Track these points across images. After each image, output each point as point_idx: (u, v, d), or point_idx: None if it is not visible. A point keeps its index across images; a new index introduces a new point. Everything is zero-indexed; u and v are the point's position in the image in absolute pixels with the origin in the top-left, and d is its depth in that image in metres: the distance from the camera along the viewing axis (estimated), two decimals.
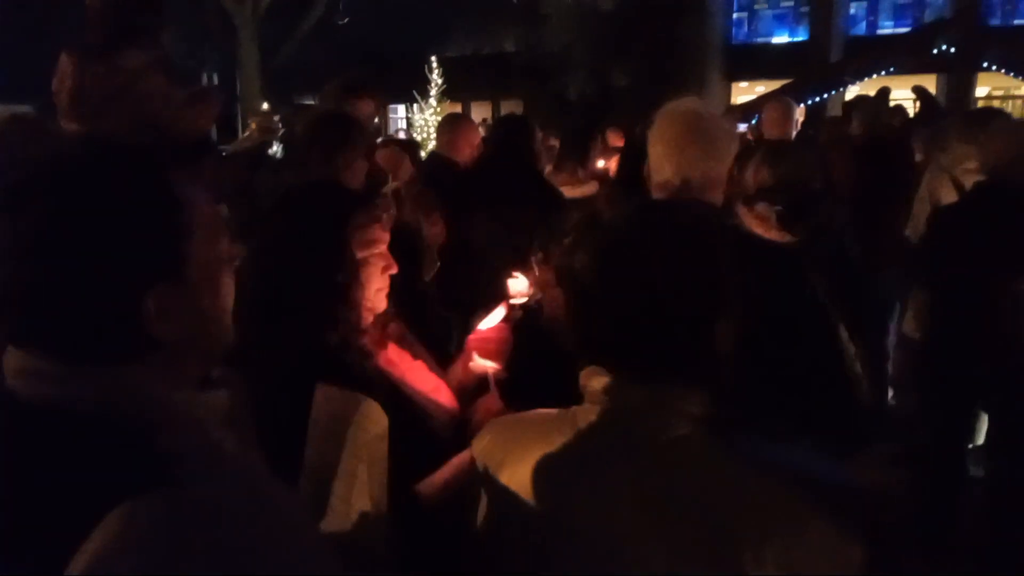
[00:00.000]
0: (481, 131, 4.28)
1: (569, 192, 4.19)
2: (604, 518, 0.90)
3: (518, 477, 0.98)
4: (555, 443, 0.95)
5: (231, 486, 0.74)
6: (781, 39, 19.78)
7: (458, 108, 17.04)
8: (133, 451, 0.71)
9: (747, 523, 0.84)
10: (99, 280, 0.74)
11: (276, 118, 5.44)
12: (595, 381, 0.93)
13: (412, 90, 15.37)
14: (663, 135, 1.76)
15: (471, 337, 1.72)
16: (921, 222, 3.72)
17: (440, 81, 15.35)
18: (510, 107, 18.99)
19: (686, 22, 17.49)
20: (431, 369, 1.69)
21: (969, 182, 3.49)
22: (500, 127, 3.93)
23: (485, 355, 1.68)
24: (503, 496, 1.00)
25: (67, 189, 0.75)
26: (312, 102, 17.23)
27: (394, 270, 1.53)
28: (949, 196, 3.62)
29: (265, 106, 10.94)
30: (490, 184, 3.15)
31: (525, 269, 2.28)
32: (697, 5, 18.07)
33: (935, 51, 9.80)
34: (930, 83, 13.06)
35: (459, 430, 1.58)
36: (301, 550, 0.74)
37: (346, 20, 18.26)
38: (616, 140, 7.42)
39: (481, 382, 1.71)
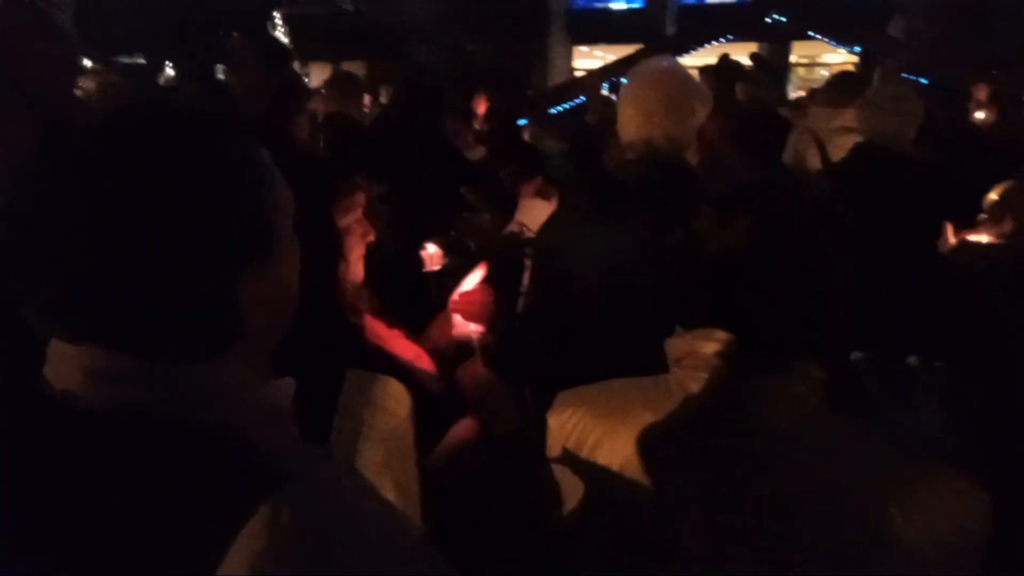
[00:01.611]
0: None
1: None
2: (725, 494, 0.85)
3: (621, 454, 0.90)
4: (660, 413, 0.89)
5: (328, 474, 0.73)
6: (619, 5, 20.38)
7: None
8: (245, 455, 0.65)
9: (885, 480, 0.86)
10: (192, 262, 0.63)
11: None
12: (706, 345, 0.87)
13: None
14: (631, 95, 1.73)
15: (452, 300, 1.68)
16: None
17: (286, 40, 14.48)
18: (352, 68, 18.29)
19: None
20: (408, 336, 1.63)
21: (834, 140, 3.76)
22: (408, 93, 3.74)
23: (468, 317, 1.65)
24: (604, 476, 0.92)
25: (154, 156, 0.63)
26: (131, 60, 15.74)
27: (372, 236, 1.44)
28: (813, 156, 3.88)
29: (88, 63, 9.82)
30: (398, 152, 2.99)
31: (440, 240, 2.21)
32: None
33: (769, 19, 10.52)
34: (752, 49, 14.05)
35: (445, 398, 1.53)
36: (397, 526, 0.73)
37: None
38: (481, 106, 7.35)
39: (460, 347, 1.67)
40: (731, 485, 0.86)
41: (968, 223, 2.98)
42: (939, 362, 2.63)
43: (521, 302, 2.20)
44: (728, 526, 0.84)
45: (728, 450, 0.88)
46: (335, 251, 1.35)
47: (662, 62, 1.80)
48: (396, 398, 1.14)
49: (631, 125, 1.69)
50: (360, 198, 1.42)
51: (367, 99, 10.33)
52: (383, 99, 10.36)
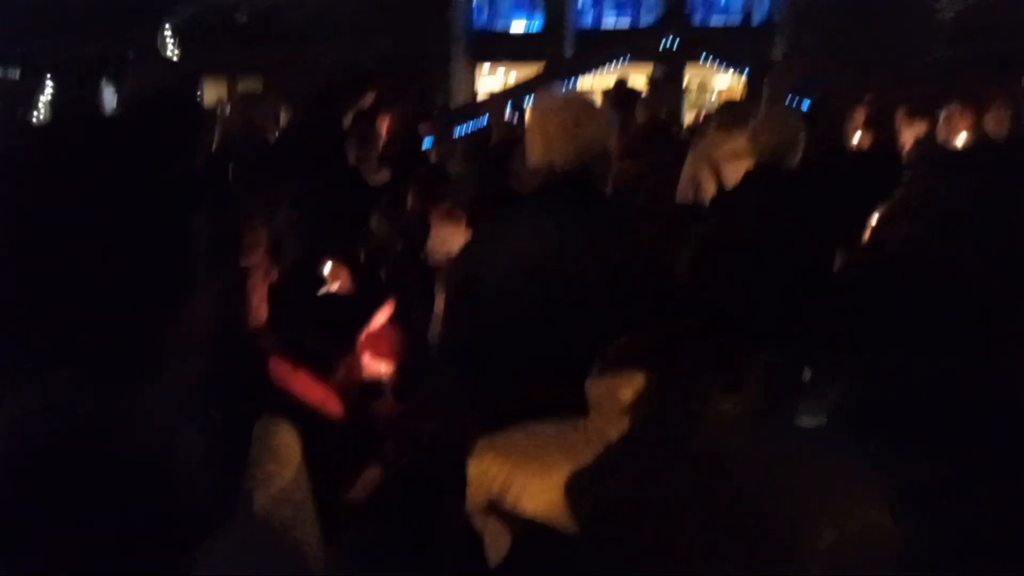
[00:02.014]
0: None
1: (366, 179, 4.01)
2: (660, 527, 0.86)
3: (544, 503, 0.90)
4: (580, 461, 0.89)
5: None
6: (519, 26, 20.75)
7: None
8: None
9: (807, 503, 0.88)
10: None
11: None
12: (624, 391, 0.88)
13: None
14: (535, 122, 1.75)
15: (361, 338, 1.63)
16: (683, 201, 4.12)
17: (177, 52, 13.89)
18: (249, 83, 17.79)
19: (432, 5, 17.67)
20: (315, 376, 1.56)
21: (726, 165, 3.94)
22: (307, 107, 3.65)
23: (378, 355, 1.61)
24: (528, 525, 0.91)
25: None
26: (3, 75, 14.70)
27: (274, 276, 1.38)
28: (707, 179, 4.05)
29: None
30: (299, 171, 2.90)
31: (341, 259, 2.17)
32: None
33: (662, 45, 10.96)
34: (647, 71, 14.60)
35: (355, 438, 1.49)
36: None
37: None
38: (383, 124, 7.28)
39: (370, 385, 1.62)
40: (659, 528, 0.87)
41: (854, 247, 3.16)
42: (835, 370, 2.76)
43: (433, 330, 2.17)
44: (659, 567, 0.85)
45: (653, 495, 0.89)
46: (237, 293, 1.28)
47: (565, 91, 1.85)
48: (288, 444, 1.11)
49: (536, 151, 1.72)
50: (262, 236, 1.36)
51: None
52: (282, 118, 10.12)
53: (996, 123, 5.05)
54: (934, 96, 6.38)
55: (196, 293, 1.16)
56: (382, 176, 4.08)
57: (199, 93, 2.72)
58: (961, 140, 4.93)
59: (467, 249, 1.76)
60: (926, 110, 5.72)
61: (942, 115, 5.77)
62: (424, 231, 2.87)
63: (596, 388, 0.93)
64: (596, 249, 1.35)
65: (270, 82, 16.12)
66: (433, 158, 5.88)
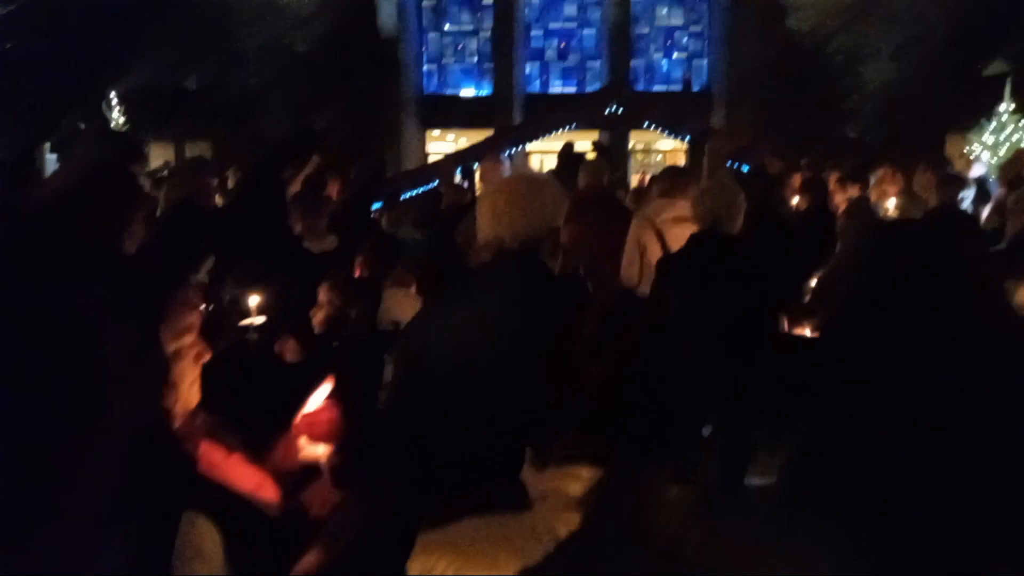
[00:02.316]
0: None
1: (313, 247, 3.98)
2: None
3: None
4: (529, 558, 0.87)
5: None
6: (469, 92, 21.22)
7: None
8: None
9: None
10: None
11: None
12: (572, 486, 0.87)
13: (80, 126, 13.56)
14: (485, 197, 1.77)
15: (297, 420, 1.56)
16: (631, 266, 4.19)
17: (123, 119, 13.74)
18: (197, 149, 17.72)
19: (382, 71, 17.98)
20: (249, 460, 1.49)
21: (669, 230, 4.03)
22: (251, 174, 3.61)
23: (315, 438, 1.54)
24: None
25: None
26: None
27: (208, 356, 1.32)
28: (652, 243, 4.13)
29: None
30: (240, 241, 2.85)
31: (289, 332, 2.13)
32: (391, 55, 18.69)
33: (608, 111, 11.30)
34: (594, 137, 15.07)
35: (292, 522, 1.41)
36: None
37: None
38: (334, 189, 7.27)
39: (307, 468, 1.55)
40: None
41: (796, 307, 3.25)
42: (777, 434, 2.79)
43: (382, 397, 2.13)
44: None
45: None
46: (159, 384, 1.22)
47: (517, 169, 1.88)
48: (210, 540, 1.06)
49: (486, 226, 1.73)
50: (195, 318, 1.30)
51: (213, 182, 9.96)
52: (232, 183, 10.01)
53: (922, 186, 5.31)
54: (864, 162, 6.71)
55: (116, 385, 1.09)
56: (329, 243, 4.05)
57: (141, 168, 2.68)
58: (891, 203, 5.16)
59: (416, 323, 1.75)
60: (858, 175, 6.00)
61: (873, 179, 6.07)
62: (374, 301, 2.84)
63: (541, 483, 0.92)
64: (542, 330, 1.36)
65: (217, 150, 16.09)
66: (383, 223, 5.88)
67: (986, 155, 9.06)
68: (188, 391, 1.29)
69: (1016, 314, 2.67)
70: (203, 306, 1.36)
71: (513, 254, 1.69)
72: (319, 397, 1.57)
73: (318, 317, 2.61)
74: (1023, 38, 14.34)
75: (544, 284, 1.63)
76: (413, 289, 3.95)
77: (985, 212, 5.76)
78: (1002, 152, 9.05)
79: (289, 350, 2.58)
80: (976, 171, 7.81)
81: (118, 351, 0.87)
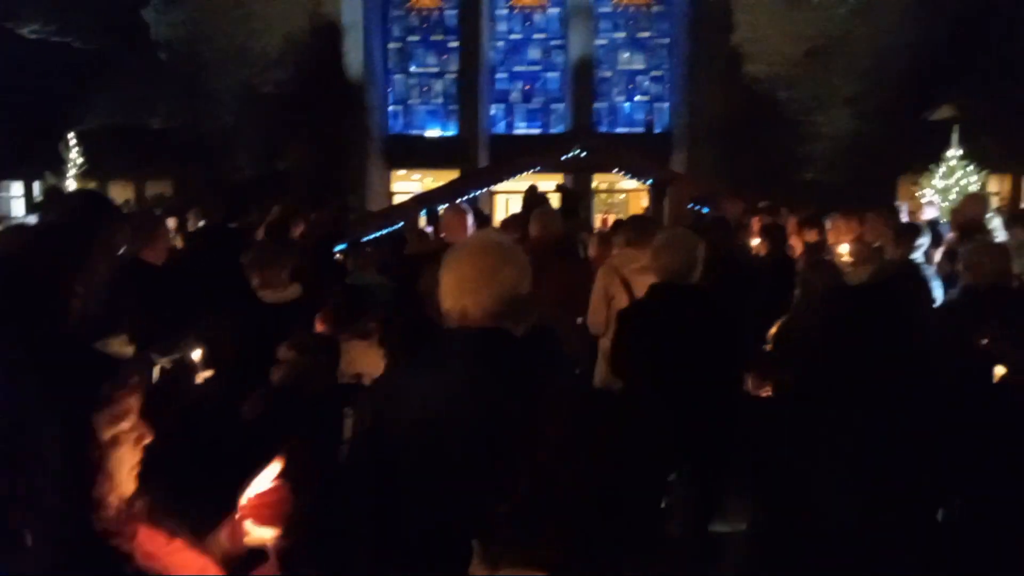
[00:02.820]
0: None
1: (272, 296, 3.91)
2: None
3: None
4: None
5: None
6: (434, 132, 21.39)
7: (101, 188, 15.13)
8: None
9: None
10: None
11: None
12: None
13: (43, 166, 13.32)
14: (449, 266, 1.73)
15: (244, 502, 1.47)
16: (597, 314, 4.21)
17: (80, 160, 13.52)
18: (157, 188, 17.53)
19: (348, 111, 18.07)
20: (191, 545, 1.41)
21: (636, 279, 4.07)
22: (205, 234, 3.55)
23: (261, 521, 1.44)
24: None
25: None
26: None
27: (149, 438, 1.26)
28: (619, 292, 4.16)
29: None
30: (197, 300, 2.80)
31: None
32: (357, 96, 18.79)
33: (571, 154, 11.47)
34: (558, 179, 15.27)
35: None
36: None
37: None
38: (297, 230, 7.20)
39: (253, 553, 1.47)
40: None
41: (758, 363, 3.28)
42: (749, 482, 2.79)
43: (341, 455, 2.08)
44: None
45: None
46: (91, 478, 1.15)
47: (483, 234, 1.86)
48: None
49: (449, 296, 1.69)
50: (134, 401, 1.23)
51: (173, 223, 9.81)
52: (192, 226, 9.85)
53: (874, 234, 5.45)
54: (820, 208, 6.90)
55: (43, 481, 1.03)
56: (292, 291, 4.00)
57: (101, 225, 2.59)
58: (845, 249, 5.29)
59: (379, 386, 1.71)
60: (814, 220, 6.16)
61: (828, 225, 6.23)
62: (334, 357, 2.79)
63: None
64: (505, 417, 1.34)
65: (179, 190, 15.94)
66: (348, 267, 5.84)
67: (937, 199, 9.36)
68: (126, 479, 1.21)
69: (973, 365, 2.75)
70: (143, 384, 1.27)
71: (479, 328, 1.65)
72: (267, 477, 1.47)
73: (276, 374, 2.56)
74: (968, 86, 14.98)
75: (510, 363, 1.59)
76: (376, 340, 3.90)
77: (937, 255, 5.94)
78: (951, 196, 9.37)
79: (247, 408, 2.52)
80: (928, 214, 8.07)
81: (48, 445, 0.83)
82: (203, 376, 2.32)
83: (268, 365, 2.63)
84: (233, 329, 2.58)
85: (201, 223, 9.79)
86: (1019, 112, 14.44)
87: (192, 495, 1.52)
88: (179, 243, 7.98)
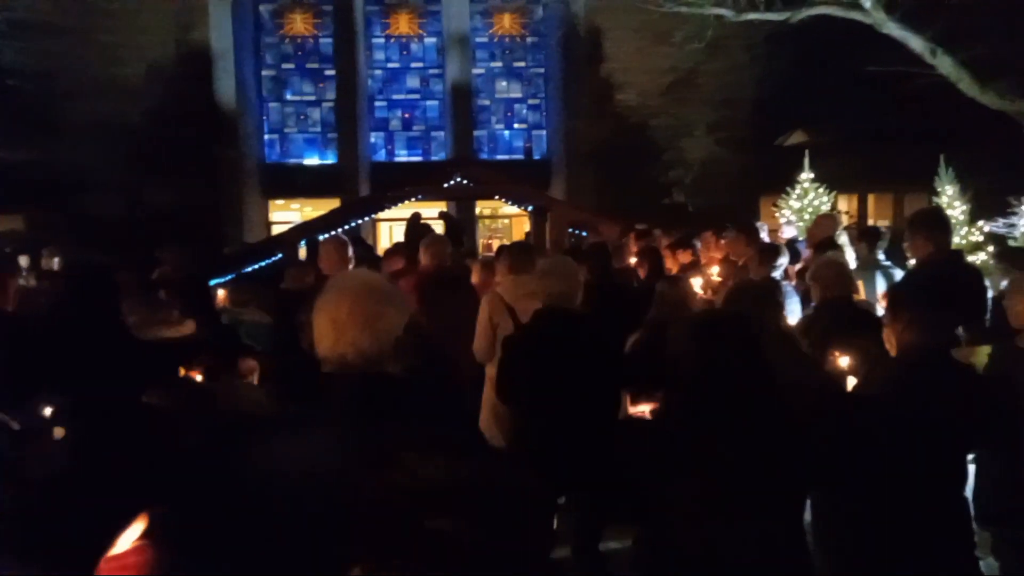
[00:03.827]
0: None
1: (168, 332, 3.69)
2: None
3: None
4: None
5: None
6: (313, 161, 20.97)
7: None
8: None
9: None
10: None
11: None
12: None
13: None
14: (324, 309, 1.67)
15: (103, 563, 1.35)
16: (483, 342, 4.25)
17: None
18: (8, 224, 16.22)
19: (220, 141, 17.44)
20: None
21: (520, 305, 4.14)
22: (73, 281, 3.31)
23: None
24: None
25: None
26: None
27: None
28: (504, 319, 4.22)
29: None
30: (65, 348, 2.60)
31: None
32: (230, 125, 18.17)
33: (453, 182, 11.55)
34: (441, 206, 15.34)
35: None
36: None
37: None
38: (169, 264, 6.85)
39: None
40: None
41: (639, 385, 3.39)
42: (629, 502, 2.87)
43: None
44: None
45: None
46: None
47: (357, 274, 1.82)
48: None
49: (325, 340, 1.63)
50: None
51: (25, 261, 9.09)
52: (47, 264, 9.16)
53: (736, 253, 5.81)
54: (691, 230, 7.29)
55: None
56: (187, 327, 3.81)
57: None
58: (715, 271, 5.60)
59: (253, 437, 1.64)
60: (686, 242, 6.49)
61: (698, 245, 6.59)
62: (207, 402, 2.64)
63: None
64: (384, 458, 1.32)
65: (31, 226, 14.80)
66: (226, 303, 5.60)
67: (794, 218, 10.07)
68: None
69: (826, 381, 2.97)
70: None
71: (357, 374, 1.61)
72: (130, 536, 1.35)
73: (140, 426, 2.39)
74: (817, 114, 16.33)
75: (392, 409, 1.57)
76: (256, 373, 3.76)
77: (796, 270, 6.39)
78: (806, 215, 10.09)
79: (111, 461, 2.36)
80: (787, 234, 8.67)
81: None
82: (57, 434, 2.15)
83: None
84: (104, 377, 2.42)
85: (56, 260, 9.14)
86: (860, 137, 15.89)
87: (50, 560, 1.40)
88: (32, 282, 7.41)
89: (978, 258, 7.98)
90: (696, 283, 4.92)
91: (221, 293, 6.01)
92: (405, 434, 1.03)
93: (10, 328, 2.75)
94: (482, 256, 8.70)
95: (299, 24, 20.77)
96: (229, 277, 7.22)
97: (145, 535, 1.32)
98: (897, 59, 10.99)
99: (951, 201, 8.92)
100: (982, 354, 3.21)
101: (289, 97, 21.02)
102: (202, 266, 7.14)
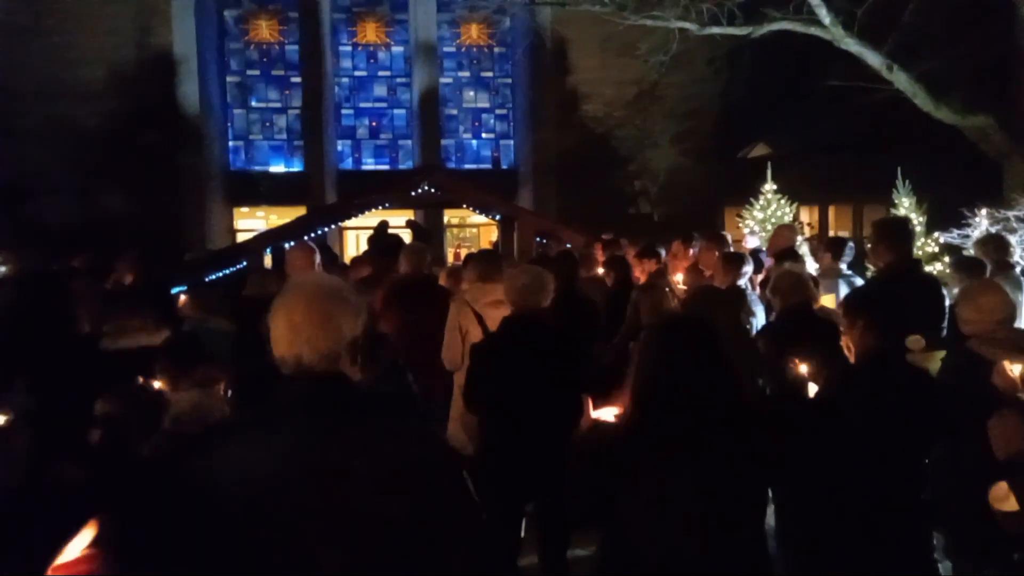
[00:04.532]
0: None
1: (145, 339, 3.60)
2: None
3: None
4: None
5: None
6: (279, 168, 20.76)
7: None
8: None
9: None
10: None
11: None
12: None
13: None
14: (281, 311, 1.66)
15: (51, 570, 1.32)
16: (452, 349, 4.25)
17: None
18: None
19: (183, 147, 17.17)
20: None
21: (488, 313, 4.15)
22: (24, 286, 3.22)
23: None
24: None
25: None
26: None
27: None
28: (472, 326, 4.22)
29: None
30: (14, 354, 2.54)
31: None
32: (193, 131, 17.92)
33: (420, 190, 11.52)
34: (408, 215, 15.31)
35: None
36: None
37: None
38: (128, 275, 6.71)
39: None
40: None
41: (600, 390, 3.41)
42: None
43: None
44: None
45: None
46: None
47: (313, 275, 1.81)
48: None
49: (281, 341, 1.61)
50: None
51: None
52: (4, 267, 8.94)
53: (705, 263, 5.87)
54: (655, 239, 7.37)
55: None
56: (163, 334, 3.72)
57: None
58: (680, 278, 5.66)
59: (209, 444, 1.61)
60: (651, 251, 6.55)
61: (664, 254, 6.66)
62: (157, 411, 2.58)
63: None
64: (339, 463, 1.31)
65: None
66: (187, 311, 5.50)
67: (757, 229, 10.23)
68: None
69: (788, 387, 3.03)
70: None
71: (313, 374, 1.60)
72: (79, 544, 1.32)
73: (94, 434, 2.33)
74: (778, 125, 16.66)
75: (349, 411, 1.56)
76: (220, 386, 3.69)
77: (759, 279, 6.50)
78: (769, 227, 10.26)
79: (63, 470, 2.29)
80: (750, 243, 8.80)
81: None
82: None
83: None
84: (56, 383, 2.36)
85: (3, 268, 8.92)
86: (819, 149, 16.24)
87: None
88: None
89: (935, 268, 8.19)
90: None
91: (183, 300, 5.91)
92: (356, 437, 1.00)
93: None
94: (449, 265, 8.68)
95: (264, 30, 20.59)
96: (191, 285, 7.10)
97: (94, 543, 1.30)
98: (855, 72, 11.27)
99: (907, 213, 9.14)
100: (936, 359, 3.29)
101: (254, 104, 20.80)
102: (162, 273, 7.01)
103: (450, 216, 20.29)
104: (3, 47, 15.20)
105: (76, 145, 15.28)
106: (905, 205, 9.24)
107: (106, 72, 16.70)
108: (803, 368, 2.92)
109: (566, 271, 5.31)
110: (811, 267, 6.24)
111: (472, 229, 21.75)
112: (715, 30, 11.67)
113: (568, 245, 8.85)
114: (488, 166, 21.48)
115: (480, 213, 13.55)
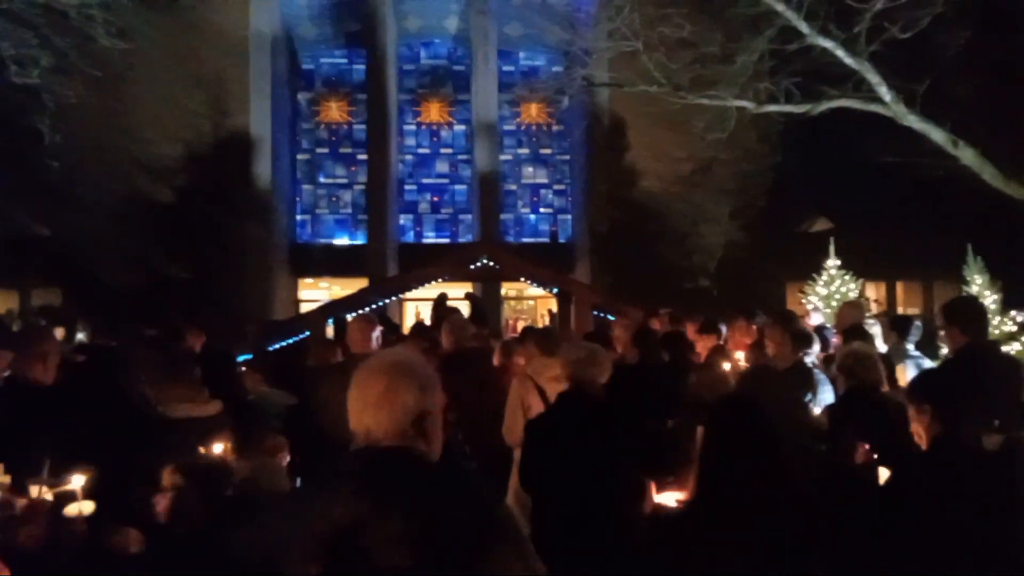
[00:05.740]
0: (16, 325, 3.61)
1: (194, 411, 3.70)
2: None
3: None
4: None
5: None
6: (342, 241, 21.43)
7: None
8: None
9: None
10: None
11: None
12: None
13: None
14: (356, 385, 1.71)
15: None
16: (514, 424, 4.22)
17: None
18: (45, 297, 16.66)
19: (252, 220, 17.89)
20: None
21: (550, 388, 4.13)
22: (91, 359, 3.38)
23: None
24: None
25: None
26: None
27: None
28: (535, 401, 4.20)
29: None
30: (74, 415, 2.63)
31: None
32: (264, 205, 18.70)
33: (479, 264, 11.69)
34: (467, 287, 15.48)
35: None
36: None
37: None
38: (197, 342, 6.94)
39: None
40: None
41: (660, 470, 3.33)
42: None
43: None
44: None
45: None
46: None
47: (389, 352, 1.85)
48: None
49: (353, 415, 1.67)
50: None
51: (61, 333, 9.31)
52: (82, 334, 9.39)
53: (772, 340, 5.72)
54: (716, 315, 7.25)
55: None
56: (213, 407, 3.82)
57: None
58: (741, 355, 5.54)
59: (276, 511, 1.63)
60: (712, 327, 6.44)
61: (726, 330, 6.53)
62: (222, 484, 2.61)
63: None
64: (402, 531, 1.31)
65: (67, 298, 15.19)
66: (249, 383, 5.64)
67: (821, 305, 10.00)
68: None
69: (857, 468, 2.90)
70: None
71: (382, 448, 1.63)
72: None
73: (161, 504, 2.37)
74: (837, 200, 16.43)
75: (414, 484, 1.57)
76: (285, 452, 3.73)
77: (823, 356, 6.29)
78: (833, 303, 10.02)
79: (130, 541, 2.33)
80: (814, 320, 8.59)
81: None
82: (82, 508, 2.15)
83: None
84: (123, 453, 2.43)
85: (81, 336, 9.32)
86: (886, 224, 15.90)
87: None
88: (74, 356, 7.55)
89: (1012, 348, 7.83)
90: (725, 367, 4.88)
91: (246, 370, 6.07)
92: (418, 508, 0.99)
93: (41, 398, 2.80)
94: (506, 338, 8.71)
95: (334, 111, 21.66)
96: (255, 354, 7.29)
97: None
98: (916, 147, 11.07)
99: (981, 290, 8.82)
100: None
101: (322, 180, 21.71)
102: (228, 342, 7.22)
103: (508, 288, 20.50)
104: (82, 126, 16.25)
105: (148, 217, 16.04)
106: (978, 282, 8.93)
107: (183, 150, 17.66)
108: (870, 452, 2.80)
109: (676, 351, 5.35)
110: (880, 347, 6.04)
111: (529, 301, 21.89)
112: (772, 108, 11.69)
113: (627, 320, 8.78)
114: (546, 240, 21.74)
115: (537, 286, 13.64)
